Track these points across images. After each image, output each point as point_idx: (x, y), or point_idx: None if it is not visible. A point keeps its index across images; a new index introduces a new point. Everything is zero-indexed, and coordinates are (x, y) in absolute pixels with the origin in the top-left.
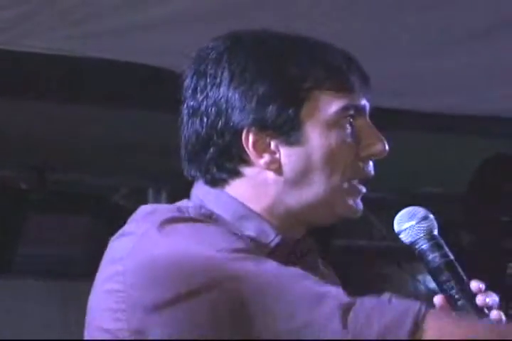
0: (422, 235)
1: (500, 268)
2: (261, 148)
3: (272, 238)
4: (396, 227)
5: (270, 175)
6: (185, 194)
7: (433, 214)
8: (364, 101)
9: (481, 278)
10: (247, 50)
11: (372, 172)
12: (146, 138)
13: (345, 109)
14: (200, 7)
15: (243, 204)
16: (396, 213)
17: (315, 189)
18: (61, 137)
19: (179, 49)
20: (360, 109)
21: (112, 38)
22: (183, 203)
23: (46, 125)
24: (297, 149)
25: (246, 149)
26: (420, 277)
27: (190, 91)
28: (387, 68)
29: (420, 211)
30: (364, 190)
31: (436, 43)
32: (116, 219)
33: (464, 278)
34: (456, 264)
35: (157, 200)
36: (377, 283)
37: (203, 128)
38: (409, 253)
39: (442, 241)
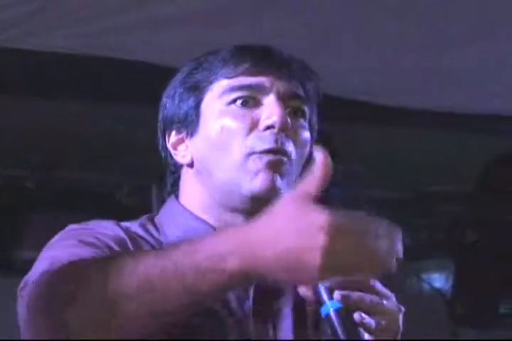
0: None
1: (507, 267)
2: (178, 147)
3: (200, 233)
4: None
5: (188, 169)
6: None
7: (439, 213)
8: (267, 80)
9: (488, 277)
10: (177, 74)
11: (281, 144)
12: (150, 136)
13: (232, 88)
14: (202, 6)
15: (182, 207)
16: (404, 211)
17: (218, 171)
18: (66, 135)
19: (182, 47)
20: (259, 87)
21: (115, 37)
22: (145, 216)
23: (50, 123)
24: (198, 138)
25: (171, 151)
26: (424, 276)
27: None
28: (394, 66)
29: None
30: (273, 158)
31: (440, 42)
32: (120, 217)
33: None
34: None
35: (160, 198)
36: (380, 281)
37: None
38: (413, 252)
39: None
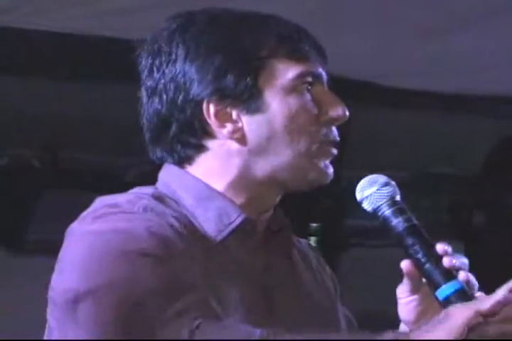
0: (383, 201)
1: (510, 250)
2: (223, 118)
3: (234, 218)
4: (358, 196)
5: (234, 145)
6: None
7: (443, 194)
8: (320, 70)
9: (492, 259)
10: (200, 25)
11: (337, 137)
12: None
13: (301, 75)
14: None
15: (206, 185)
16: (407, 193)
17: (282, 156)
18: (74, 116)
19: None
20: (317, 76)
21: (122, 17)
22: (145, 189)
23: (58, 104)
24: (258, 117)
25: (208, 120)
26: None
27: (146, 71)
28: (398, 49)
29: (381, 178)
30: (335, 152)
31: (447, 24)
32: None
33: (430, 241)
34: (421, 228)
35: None
36: (383, 263)
37: (163, 105)
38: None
39: (405, 206)
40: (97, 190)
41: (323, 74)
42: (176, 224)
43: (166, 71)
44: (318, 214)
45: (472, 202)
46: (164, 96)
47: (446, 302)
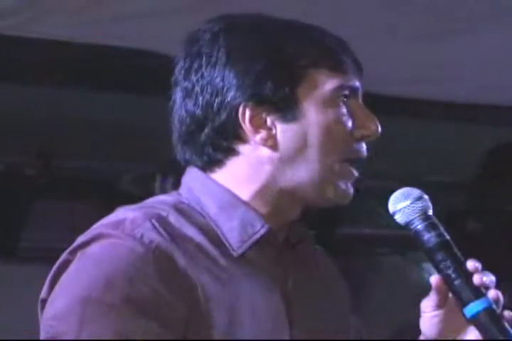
0: (416, 215)
1: (506, 258)
2: (257, 124)
3: (258, 228)
4: (391, 208)
5: (265, 151)
6: None
7: (438, 202)
8: (357, 83)
9: (486, 267)
10: (243, 30)
11: (366, 153)
12: (153, 124)
13: (340, 88)
14: None
15: (230, 192)
16: None
17: (310, 167)
18: (67, 123)
19: (180, 35)
20: (354, 90)
21: (114, 25)
22: (168, 197)
23: (51, 111)
24: (294, 126)
25: (242, 125)
26: (425, 266)
27: (183, 72)
28: (391, 56)
29: (415, 191)
30: (357, 174)
31: (441, 31)
32: (122, 206)
33: (461, 257)
34: (452, 244)
35: (163, 186)
36: (381, 271)
37: (198, 108)
38: (414, 242)
39: (437, 221)
40: (91, 197)
41: (359, 88)
42: (189, 239)
43: (205, 74)
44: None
45: (467, 210)
46: (200, 99)
47: (474, 319)
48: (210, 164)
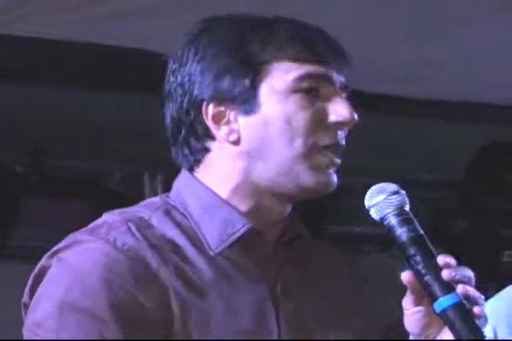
0: (390, 210)
1: (495, 256)
2: (220, 120)
3: (238, 228)
4: (366, 203)
5: (232, 147)
6: None
7: (427, 201)
8: (330, 72)
9: (476, 266)
10: (213, 29)
11: (341, 141)
12: (143, 123)
13: (303, 77)
14: None
15: (213, 192)
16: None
17: (278, 158)
18: (57, 121)
19: (175, 34)
20: (325, 79)
21: (107, 23)
22: (156, 200)
23: (41, 109)
24: (254, 118)
25: (207, 122)
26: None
27: (167, 76)
28: (381, 54)
29: (390, 186)
30: (337, 160)
31: (431, 28)
32: (112, 204)
33: (432, 252)
34: (425, 239)
35: (153, 185)
36: (369, 271)
37: (174, 110)
38: None
39: (412, 217)
40: (81, 196)
41: (335, 76)
42: (168, 241)
43: (178, 75)
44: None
45: (454, 209)
46: (175, 100)
47: (442, 315)
48: (193, 165)
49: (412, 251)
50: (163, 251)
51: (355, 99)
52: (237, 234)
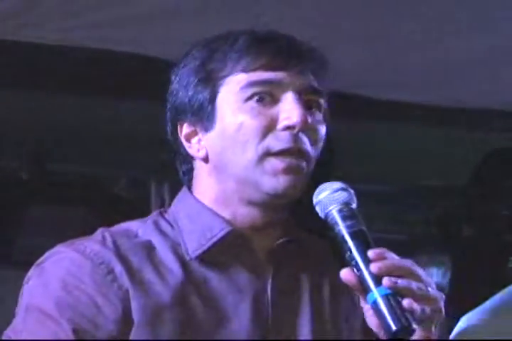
0: (333, 207)
1: (501, 262)
2: (191, 139)
3: (217, 232)
4: (313, 201)
5: (203, 163)
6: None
7: (434, 207)
8: (284, 76)
9: (481, 271)
10: (188, 53)
11: (300, 144)
12: (148, 129)
13: (249, 85)
14: None
15: (200, 203)
16: (396, 205)
17: (234, 168)
18: (62, 127)
19: (179, 39)
20: (276, 83)
21: (111, 29)
22: (155, 213)
23: (46, 115)
24: (213, 132)
25: (182, 141)
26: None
27: None
28: (387, 60)
29: (335, 184)
30: (300, 164)
31: (436, 34)
32: (117, 210)
33: (365, 247)
34: (363, 234)
35: (159, 192)
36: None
37: (168, 135)
38: (408, 246)
39: (355, 213)
40: (85, 202)
41: (288, 80)
42: (146, 247)
43: (168, 99)
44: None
45: (461, 215)
46: (167, 125)
47: (373, 308)
48: (188, 181)
49: (348, 246)
50: (136, 257)
51: (365, 106)
52: (214, 239)
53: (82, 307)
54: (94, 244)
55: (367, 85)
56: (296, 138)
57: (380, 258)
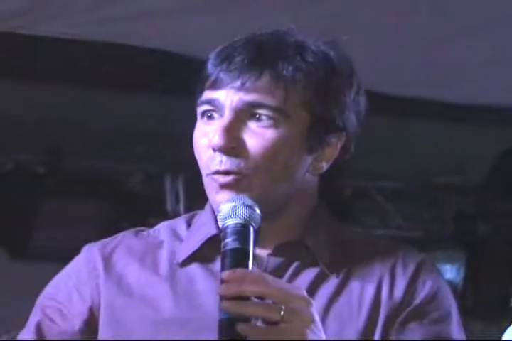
0: (231, 219)
1: None
2: None
3: (204, 234)
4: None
5: None
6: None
7: (449, 204)
8: (221, 94)
9: (497, 269)
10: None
11: (219, 165)
12: (163, 125)
13: (199, 103)
14: None
15: (212, 211)
16: (411, 203)
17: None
18: (78, 122)
19: (193, 35)
20: (214, 103)
21: (125, 24)
22: (182, 216)
23: (63, 110)
24: None
25: None
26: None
27: None
28: (405, 57)
29: (245, 199)
30: (222, 179)
31: (455, 32)
32: (132, 205)
33: (235, 266)
34: (242, 254)
35: (174, 187)
36: None
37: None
38: (424, 243)
39: (250, 232)
40: (100, 196)
41: (223, 98)
42: (140, 252)
43: None
44: None
45: (476, 212)
46: None
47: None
48: None
49: (221, 263)
50: (128, 257)
51: (382, 103)
52: (201, 242)
53: (59, 298)
54: (96, 245)
55: (380, 82)
56: (221, 161)
57: (227, 280)
